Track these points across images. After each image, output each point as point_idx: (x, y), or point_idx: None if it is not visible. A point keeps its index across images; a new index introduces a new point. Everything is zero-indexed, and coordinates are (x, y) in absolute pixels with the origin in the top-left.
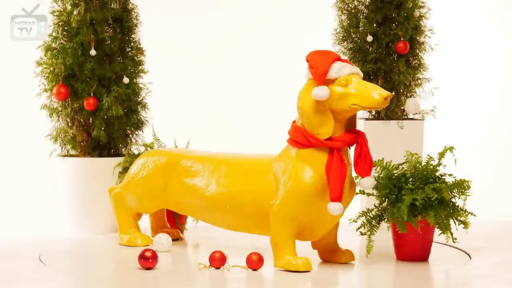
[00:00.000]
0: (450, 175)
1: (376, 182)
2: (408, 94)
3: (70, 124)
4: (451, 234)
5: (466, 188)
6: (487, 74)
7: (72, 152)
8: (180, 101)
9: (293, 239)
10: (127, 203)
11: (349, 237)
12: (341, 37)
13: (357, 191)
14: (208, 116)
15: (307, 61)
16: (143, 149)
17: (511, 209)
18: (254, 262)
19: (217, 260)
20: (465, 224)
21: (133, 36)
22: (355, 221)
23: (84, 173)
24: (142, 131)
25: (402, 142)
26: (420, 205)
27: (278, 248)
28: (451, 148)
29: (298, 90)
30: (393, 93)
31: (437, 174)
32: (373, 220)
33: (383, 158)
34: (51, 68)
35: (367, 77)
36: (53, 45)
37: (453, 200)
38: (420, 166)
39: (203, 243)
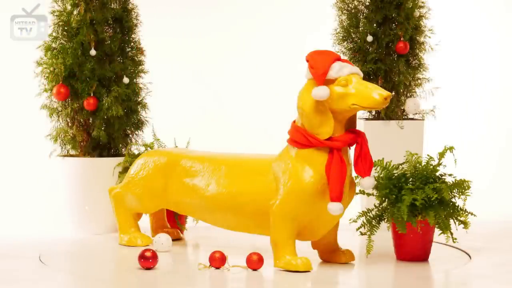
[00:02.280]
0: (450, 175)
1: (376, 182)
2: (408, 94)
3: (70, 124)
4: (451, 234)
5: (466, 188)
6: (487, 74)
7: (72, 152)
8: (180, 101)
9: (293, 239)
10: (127, 203)
11: (349, 237)
12: (341, 37)
13: (357, 191)
14: (208, 116)
15: (307, 61)
16: (143, 149)
17: (511, 209)
18: (254, 262)
19: (217, 260)
20: (465, 224)
21: (133, 36)
22: (355, 221)
23: (84, 173)
24: (142, 131)
25: (402, 142)
26: (420, 205)
27: (278, 248)
28: (451, 148)
29: (298, 90)
30: (393, 93)
31: (437, 174)
32: (373, 220)
33: (383, 158)
34: (51, 68)
35: (367, 77)
36: (53, 45)
37: (453, 200)
38: (420, 166)
39: (203, 243)
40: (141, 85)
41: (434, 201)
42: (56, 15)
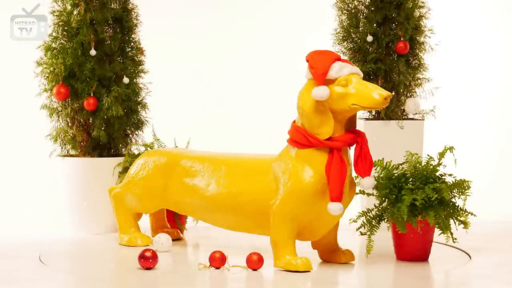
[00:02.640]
0: (450, 175)
1: (376, 182)
2: (408, 94)
3: (70, 124)
4: (451, 234)
5: (466, 188)
6: (487, 74)
7: (72, 152)
8: (180, 101)
9: (293, 239)
10: (127, 203)
11: (349, 237)
12: (341, 37)
13: (357, 191)
14: (208, 116)
15: (307, 61)
16: (143, 149)
17: (511, 209)
18: (254, 262)
19: (217, 260)
20: (465, 224)
21: (133, 36)
22: (355, 221)
23: (84, 173)
24: (142, 131)
25: (402, 142)
26: (420, 205)
27: (278, 248)
28: (451, 148)
29: (298, 90)
30: (393, 93)
31: (437, 174)
32: (373, 220)
33: (383, 158)
34: (51, 68)
35: (367, 77)
36: (53, 45)
37: (453, 200)
38: (420, 166)
39: (203, 243)
40: (141, 85)
41: (434, 201)
42: (56, 15)
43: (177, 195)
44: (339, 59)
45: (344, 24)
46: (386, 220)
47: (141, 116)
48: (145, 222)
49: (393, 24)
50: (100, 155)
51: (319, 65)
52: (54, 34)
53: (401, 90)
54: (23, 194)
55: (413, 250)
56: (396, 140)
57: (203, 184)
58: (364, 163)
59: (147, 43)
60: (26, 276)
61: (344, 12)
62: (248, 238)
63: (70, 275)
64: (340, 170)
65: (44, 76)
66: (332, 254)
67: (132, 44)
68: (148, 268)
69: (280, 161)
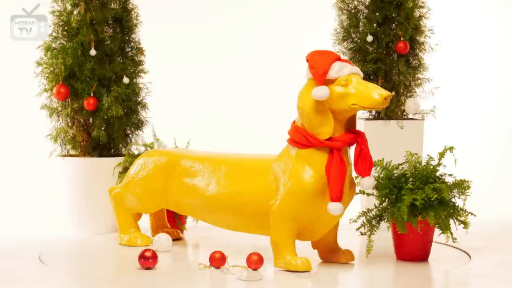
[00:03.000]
0: (450, 175)
1: (376, 182)
2: (408, 94)
3: (70, 124)
4: (451, 234)
5: (466, 188)
6: (487, 74)
7: (72, 152)
8: (180, 101)
9: (293, 239)
10: (127, 203)
11: (349, 237)
12: (341, 37)
13: (357, 191)
14: (208, 116)
15: (307, 61)
16: (143, 149)
17: (511, 209)
18: (254, 262)
19: (217, 260)
20: (465, 224)
21: (133, 36)
22: (355, 221)
23: (84, 173)
24: (142, 131)
25: (402, 142)
26: (420, 205)
27: (278, 248)
28: (451, 148)
29: (298, 90)
30: (393, 93)
31: (437, 174)
32: (373, 220)
33: (383, 158)
34: (51, 68)
35: (367, 77)
36: (53, 45)
37: (453, 200)
38: (420, 166)
39: (203, 243)
40: (141, 85)
41: (434, 201)
42: (56, 15)
43: (177, 195)
44: (339, 59)
45: (344, 24)
46: (386, 220)
47: (141, 116)
48: (145, 222)
49: (393, 24)
50: (100, 155)
51: (319, 65)
52: (54, 34)
53: (401, 90)
54: (23, 194)
55: (413, 250)
56: (396, 140)
57: (203, 184)
58: (364, 163)
59: (147, 43)
60: (26, 276)
61: (344, 12)
62: (248, 238)
63: (70, 275)
64: (340, 170)
65: (44, 76)
66: (332, 254)
67: (132, 44)
68: (148, 268)
69: (280, 161)
